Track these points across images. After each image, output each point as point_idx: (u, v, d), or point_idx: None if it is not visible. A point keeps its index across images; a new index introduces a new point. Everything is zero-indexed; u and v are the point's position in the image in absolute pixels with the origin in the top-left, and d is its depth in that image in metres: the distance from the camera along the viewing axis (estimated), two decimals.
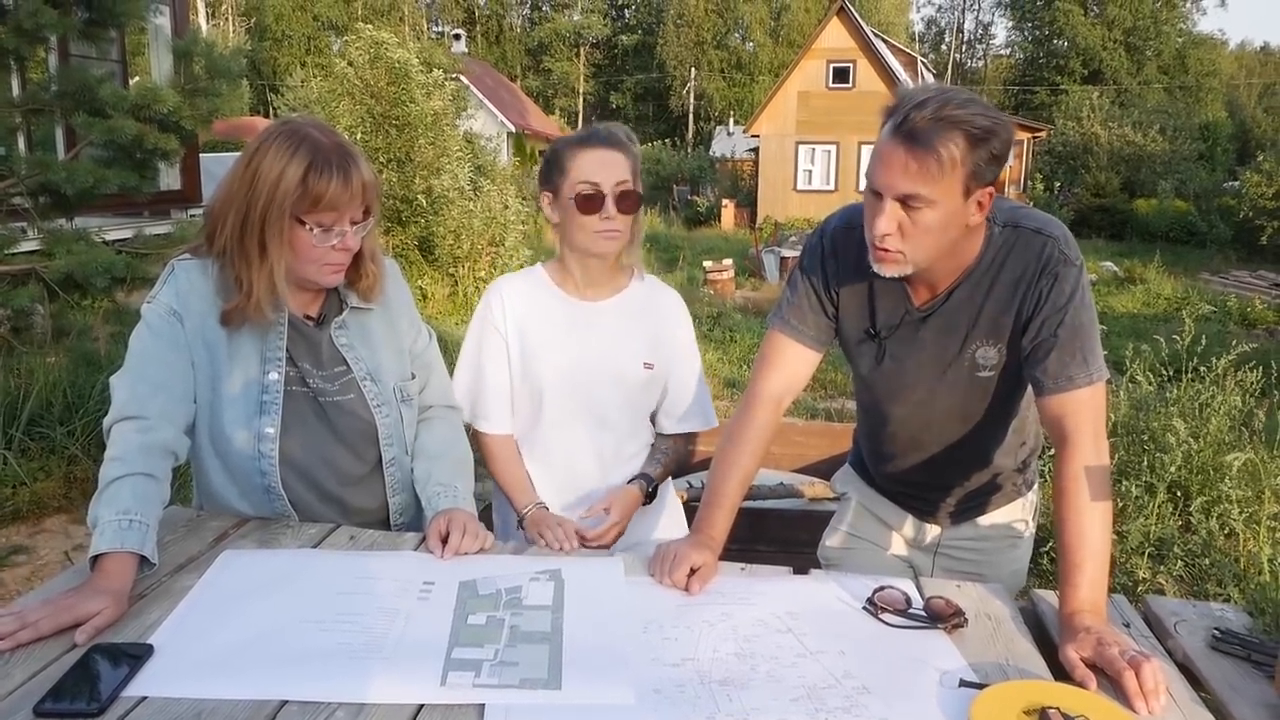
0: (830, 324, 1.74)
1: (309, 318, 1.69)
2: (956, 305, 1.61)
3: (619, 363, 1.90)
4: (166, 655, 1.22)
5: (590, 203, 1.81)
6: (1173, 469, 3.80)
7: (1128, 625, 1.45)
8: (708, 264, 14.06)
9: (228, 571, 1.46)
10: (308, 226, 1.53)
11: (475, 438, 1.95)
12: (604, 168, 1.82)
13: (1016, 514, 1.88)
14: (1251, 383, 4.41)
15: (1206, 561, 3.58)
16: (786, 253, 16.17)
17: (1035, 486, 1.92)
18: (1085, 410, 1.49)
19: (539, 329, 1.90)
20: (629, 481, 1.92)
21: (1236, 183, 23.51)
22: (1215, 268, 18.18)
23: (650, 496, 1.94)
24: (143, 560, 1.39)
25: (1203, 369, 4.42)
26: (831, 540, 2.03)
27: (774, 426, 1.73)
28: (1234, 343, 4.42)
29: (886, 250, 1.49)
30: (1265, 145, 29.41)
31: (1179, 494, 4.06)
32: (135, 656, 1.20)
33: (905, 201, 1.44)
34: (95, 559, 1.35)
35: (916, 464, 1.82)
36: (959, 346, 1.64)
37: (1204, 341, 4.44)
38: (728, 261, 14.28)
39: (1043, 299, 1.53)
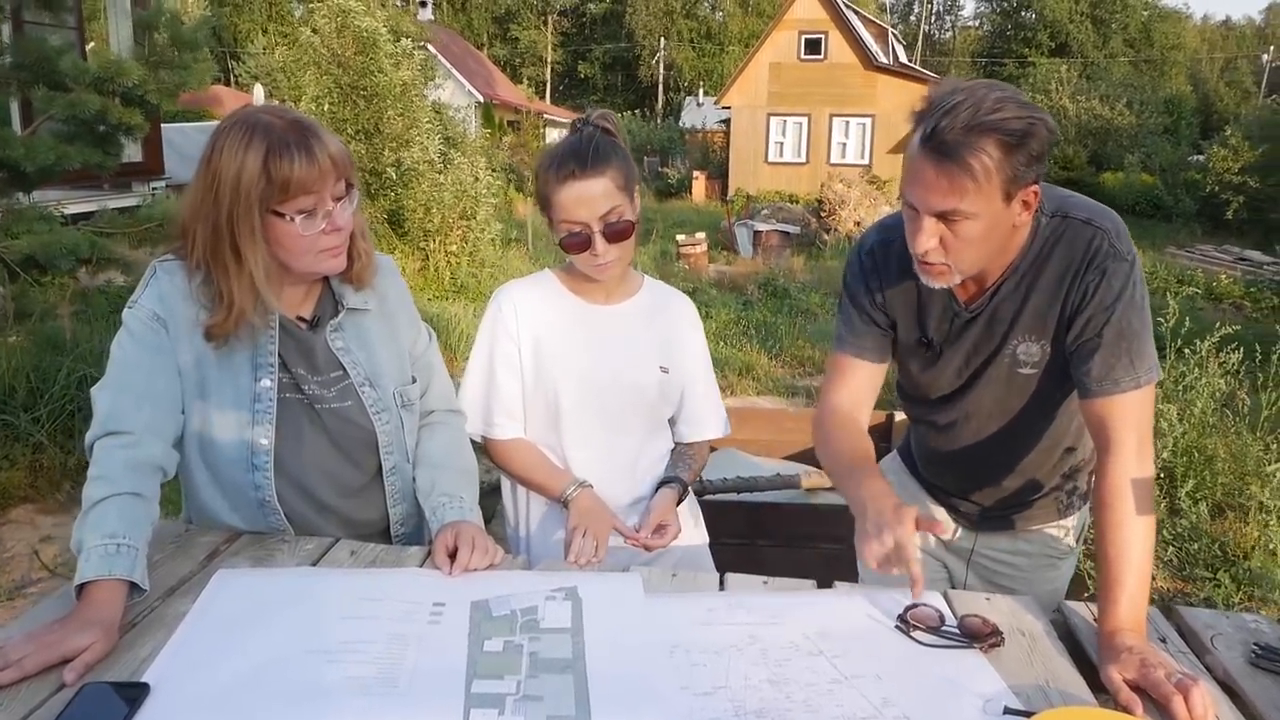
0: (886, 334, 1.69)
1: (302, 320, 1.59)
2: (1001, 300, 1.55)
3: (635, 367, 1.83)
4: (164, 694, 1.14)
5: (576, 244, 1.71)
6: (1164, 454, 3.80)
7: (1164, 640, 1.41)
8: (680, 238, 13.93)
9: (223, 596, 1.37)
10: (289, 217, 1.42)
11: (487, 446, 1.87)
12: (585, 204, 1.67)
13: (1058, 532, 1.83)
14: (1234, 364, 4.42)
15: (1195, 546, 3.60)
16: (760, 226, 16.11)
17: (1085, 507, 1.85)
18: (1130, 416, 1.43)
19: (552, 335, 1.82)
20: (661, 485, 1.86)
21: (1201, 156, 23.75)
22: (1181, 241, 18.40)
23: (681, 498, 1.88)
24: (132, 586, 1.30)
25: (1186, 351, 4.43)
26: None
27: (853, 429, 1.66)
28: (1218, 325, 4.42)
29: (931, 264, 1.45)
30: (1228, 119, 29.74)
31: (1164, 477, 4.08)
32: (131, 697, 1.12)
33: (943, 216, 1.39)
34: (81, 587, 1.26)
35: (952, 461, 1.78)
36: (1000, 341, 1.58)
37: (1188, 324, 4.44)
38: (700, 235, 14.16)
39: (1089, 295, 1.47)
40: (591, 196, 1.68)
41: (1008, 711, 1.19)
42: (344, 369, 1.59)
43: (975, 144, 1.31)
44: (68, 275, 4.83)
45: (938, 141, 1.33)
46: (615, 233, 1.71)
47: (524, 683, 1.20)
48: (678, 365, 1.88)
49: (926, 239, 1.41)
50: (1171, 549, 3.58)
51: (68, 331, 5.14)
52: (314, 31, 10.62)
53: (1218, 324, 4.50)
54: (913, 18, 62.48)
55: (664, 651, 1.30)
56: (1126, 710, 1.21)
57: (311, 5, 11.10)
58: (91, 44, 10.31)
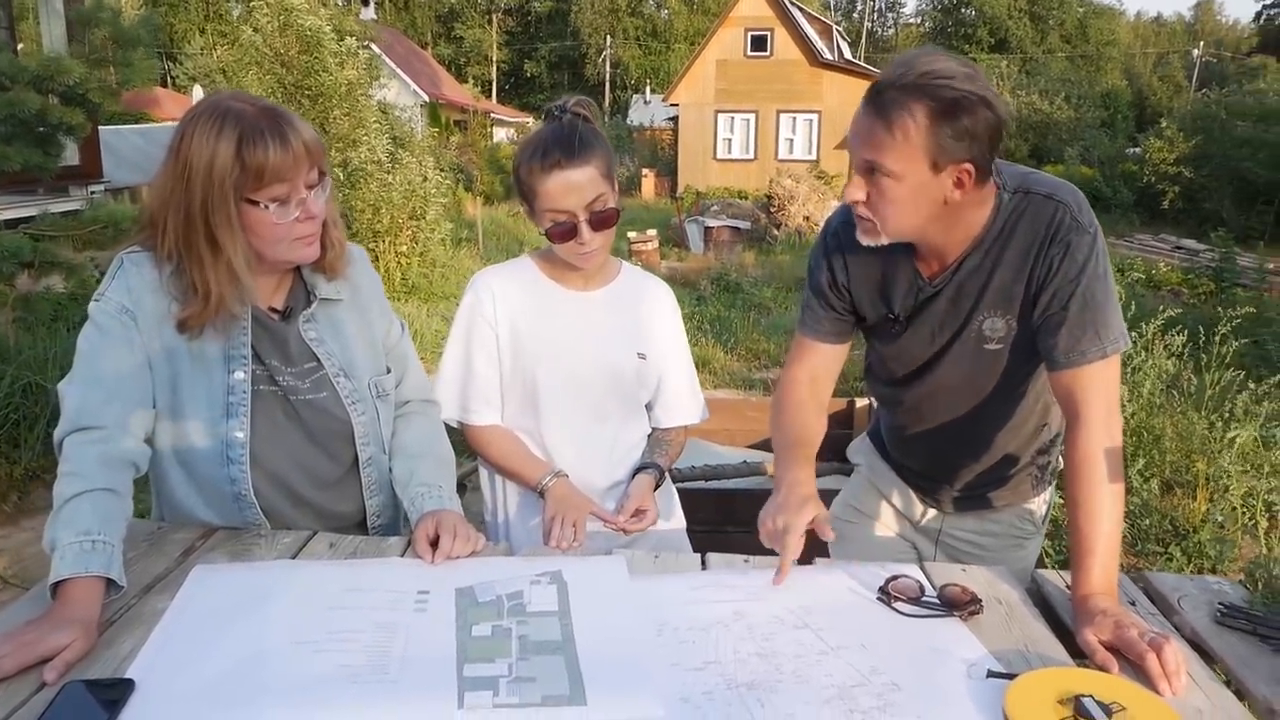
0: (844, 317, 1.72)
1: (274, 311, 1.56)
2: (966, 276, 1.58)
3: (612, 353, 1.83)
4: (149, 690, 1.12)
5: (562, 233, 1.70)
6: None
7: (1133, 603, 1.45)
8: (632, 235, 13.93)
9: (202, 590, 1.35)
10: (263, 205, 1.40)
11: (465, 433, 1.86)
12: (571, 192, 1.67)
13: (1026, 513, 1.86)
14: (1179, 346, 4.56)
15: (1146, 522, 3.70)
16: (711, 222, 16.18)
17: (1053, 485, 1.88)
18: (1098, 385, 1.46)
19: (531, 321, 1.81)
20: (638, 471, 1.86)
21: (1138, 149, 24.38)
22: (1120, 231, 18.85)
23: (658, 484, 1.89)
24: (109, 583, 1.27)
25: (1133, 335, 4.55)
26: (835, 509, 2.02)
27: (809, 408, 1.70)
28: (1161, 309, 4.55)
29: (860, 218, 1.50)
30: (1161, 112, 30.61)
31: None
32: (114, 695, 1.09)
33: (871, 169, 1.44)
34: (56, 586, 1.23)
35: (922, 441, 1.80)
36: (966, 317, 1.60)
37: (1134, 308, 4.56)
38: (652, 232, 14.17)
39: (1054, 269, 1.49)
40: (578, 185, 1.67)
41: (991, 675, 1.22)
42: (318, 360, 1.58)
43: (904, 103, 1.37)
44: (7, 281, 4.68)
45: (874, 93, 1.41)
46: (601, 220, 1.71)
47: (515, 665, 1.20)
48: (655, 351, 1.89)
49: (854, 189, 1.47)
50: (1124, 525, 3.68)
51: (10, 338, 4.99)
52: (255, 30, 10.43)
53: (1161, 309, 4.63)
54: (856, 14, 63.26)
55: (652, 630, 1.31)
56: (1104, 669, 1.24)
57: (252, 4, 10.88)
58: (21, 45, 10.00)
